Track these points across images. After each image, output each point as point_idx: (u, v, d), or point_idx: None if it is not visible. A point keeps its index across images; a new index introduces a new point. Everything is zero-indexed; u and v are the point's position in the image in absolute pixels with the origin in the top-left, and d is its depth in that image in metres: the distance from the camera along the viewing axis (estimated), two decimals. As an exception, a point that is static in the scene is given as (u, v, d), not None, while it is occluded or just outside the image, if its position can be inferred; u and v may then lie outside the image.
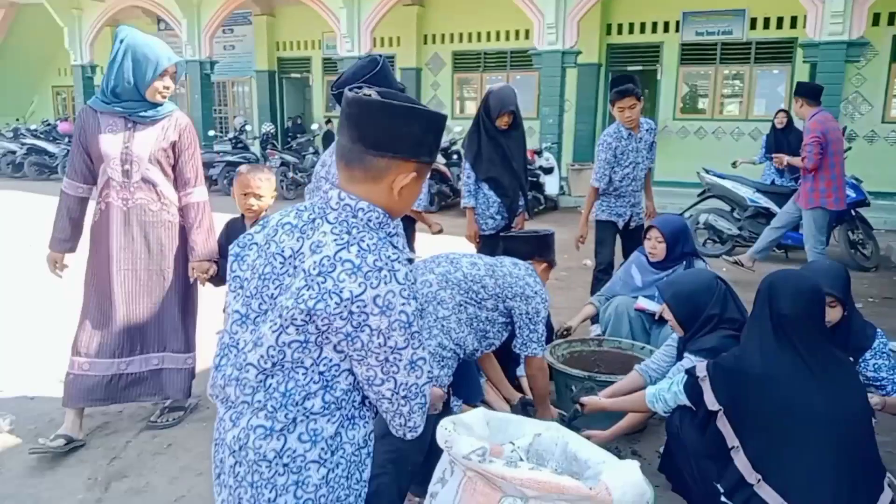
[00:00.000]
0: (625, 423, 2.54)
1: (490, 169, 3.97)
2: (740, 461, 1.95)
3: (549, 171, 10.53)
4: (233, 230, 3.08)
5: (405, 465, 1.97)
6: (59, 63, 19.11)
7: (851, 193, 6.27)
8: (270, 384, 1.20)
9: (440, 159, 11.28)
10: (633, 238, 4.43)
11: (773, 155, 6.69)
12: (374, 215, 1.21)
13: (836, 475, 1.86)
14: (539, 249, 2.74)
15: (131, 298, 2.90)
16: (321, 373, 1.20)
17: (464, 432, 1.79)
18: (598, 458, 1.76)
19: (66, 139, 14.74)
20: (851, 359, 2.52)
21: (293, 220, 1.25)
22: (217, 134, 14.97)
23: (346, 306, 1.12)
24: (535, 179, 10.11)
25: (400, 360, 1.18)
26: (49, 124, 16.21)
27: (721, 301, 2.44)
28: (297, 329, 1.16)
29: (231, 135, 13.22)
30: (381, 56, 2.56)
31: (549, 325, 3.63)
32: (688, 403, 2.16)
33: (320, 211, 1.23)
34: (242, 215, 3.08)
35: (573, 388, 3.00)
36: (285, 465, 1.20)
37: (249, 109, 17.39)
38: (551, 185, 10.57)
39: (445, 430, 1.75)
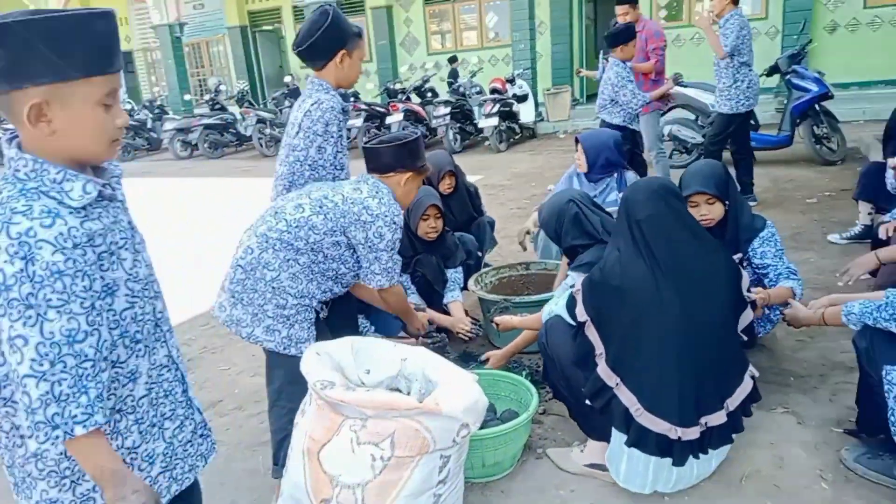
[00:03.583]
0: (520, 340, 2.63)
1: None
2: (602, 367, 2.03)
3: (522, 98, 10.37)
4: None
5: None
6: None
7: (814, 87, 6.16)
8: None
9: (414, 98, 11.17)
10: None
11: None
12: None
13: (681, 377, 1.94)
14: (399, 159, 2.25)
15: None
16: None
17: (326, 360, 1.90)
18: (445, 378, 1.85)
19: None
20: (740, 253, 2.57)
21: None
22: (194, 97, 14.85)
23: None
24: (507, 109, 9.99)
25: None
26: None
27: (573, 224, 2.50)
28: None
29: (207, 97, 13.13)
30: (331, 5, 2.46)
31: (476, 256, 3.71)
32: (568, 318, 2.24)
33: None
34: None
35: (490, 310, 3.10)
36: None
37: (226, 69, 17.17)
38: (526, 112, 10.43)
39: (306, 360, 1.86)
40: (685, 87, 6.99)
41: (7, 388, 1.20)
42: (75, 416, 1.09)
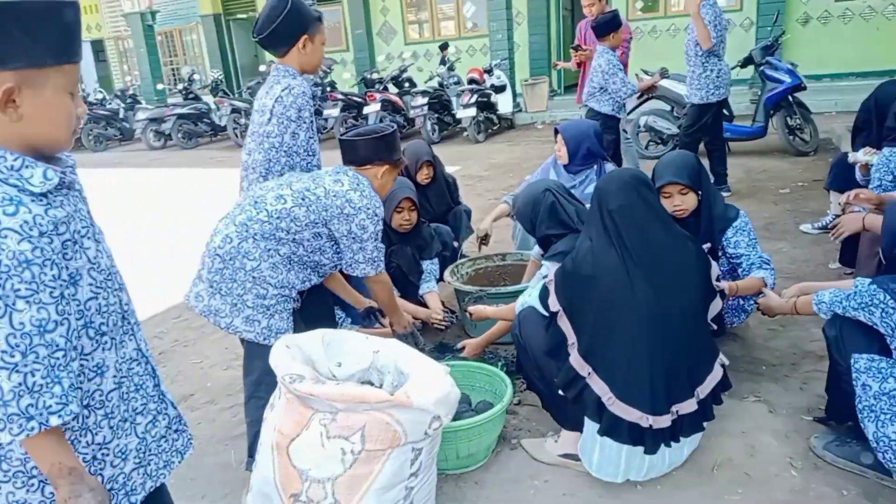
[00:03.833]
0: (495, 330, 2.62)
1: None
2: (574, 357, 2.02)
3: (500, 89, 10.34)
4: None
5: None
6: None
7: (787, 79, 6.23)
8: None
9: (392, 89, 11.07)
10: None
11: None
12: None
13: (652, 366, 1.94)
14: (376, 152, 2.28)
15: None
16: None
17: (296, 353, 1.87)
18: (417, 371, 1.83)
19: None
20: (713, 243, 2.58)
21: None
22: (167, 87, 14.59)
23: None
24: (485, 100, 9.96)
25: None
26: None
27: (549, 214, 2.50)
28: None
29: (181, 86, 12.88)
30: None
31: (452, 247, 3.69)
32: (541, 309, 2.23)
33: None
34: None
35: (465, 300, 3.08)
36: None
37: (200, 58, 16.88)
38: (504, 103, 10.40)
39: (275, 353, 1.82)
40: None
41: None
42: (50, 406, 1.07)
